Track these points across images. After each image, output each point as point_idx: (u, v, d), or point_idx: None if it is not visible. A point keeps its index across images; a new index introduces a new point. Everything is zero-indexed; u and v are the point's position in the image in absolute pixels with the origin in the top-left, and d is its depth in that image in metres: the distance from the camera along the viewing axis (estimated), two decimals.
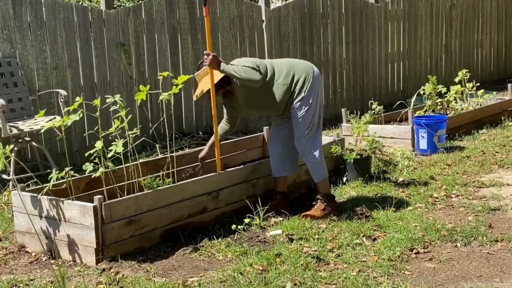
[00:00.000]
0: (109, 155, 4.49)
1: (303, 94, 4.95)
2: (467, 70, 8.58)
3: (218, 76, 4.91)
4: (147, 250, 4.43)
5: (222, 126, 5.26)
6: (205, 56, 4.81)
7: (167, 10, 7.89)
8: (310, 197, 5.31)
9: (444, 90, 7.95)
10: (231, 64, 4.90)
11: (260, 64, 4.93)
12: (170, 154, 5.15)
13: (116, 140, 4.50)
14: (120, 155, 4.52)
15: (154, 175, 4.89)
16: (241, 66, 4.83)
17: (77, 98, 4.51)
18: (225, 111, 5.26)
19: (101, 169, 4.46)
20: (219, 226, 4.82)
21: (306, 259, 4.13)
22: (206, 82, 4.96)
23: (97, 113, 4.50)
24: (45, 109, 5.77)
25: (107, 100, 4.59)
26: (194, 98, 5.15)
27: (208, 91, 4.92)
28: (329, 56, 9.72)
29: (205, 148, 5.29)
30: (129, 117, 4.69)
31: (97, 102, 4.51)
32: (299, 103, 4.96)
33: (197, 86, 5.09)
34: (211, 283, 3.87)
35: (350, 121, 6.59)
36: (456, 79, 8.37)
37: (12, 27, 6.66)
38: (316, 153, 5.04)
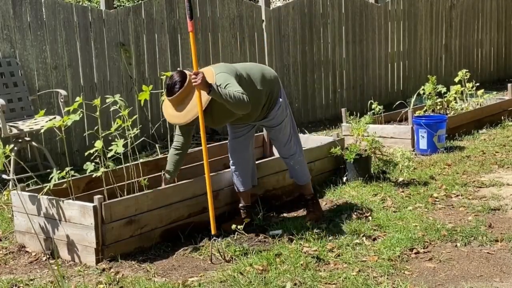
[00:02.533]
0: (109, 155, 4.49)
1: (281, 100, 4.81)
2: (467, 70, 8.57)
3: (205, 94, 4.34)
4: (147, 250, 4.44)
5: (174, 159, 4.70)
6: (193, 76, 4.24)
7: (167, 10, 7.89)
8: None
9: (444, 90, 7.96)
10: (218, 85, 4.32)
11: (237, 76, 4.50)
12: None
13: (116, 140, 4.50)
14: (120, 155, 4.52)
15: (154, 174, 4.89)
16: (232, 91, 4.31)
17: (77, 98, 4.51)
18: (178, 133, 4.70)
19: (102, 169, 4.46)
20: (219, 226, 4.82)
21: (306, 259, 4.13)
22: (194, 105, 4.39)
23: (97, 113, 4.50)
24: (45, 109, 5.78)
25: (108, 100, 4.59)
26: (178, 122, 4.48)
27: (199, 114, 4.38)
28: (329, 56, 9.72)
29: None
30: (133, 118, 4.69)
31: (97, 102, 4.52)
32: (279, 109, 4.79)
33: (176, 107, 4.46)
34: (211, 283, 3.87)
35: (350, 122, 6.59)
36: (456, 79, 8.37)
37: (12, 27, 6.66)
38: (302, 156, 5.04)
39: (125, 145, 4.56)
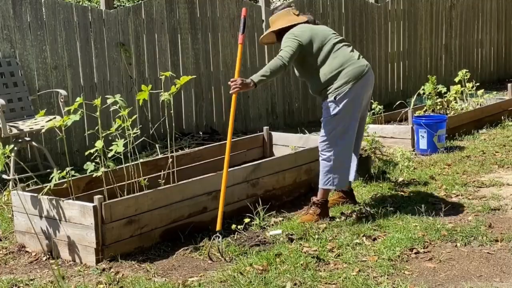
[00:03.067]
0: (110, 155, 4.50)
1: (333, 101, 4.91)
2: (467, 70, 8.58)
3: (281, 25, 4.99)
4: (147, 250, 4.44)
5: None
6: (233, 84, 4.54)
7: (167, 10, 7.89)
8: (309, 197, 5.29)
9: (444, 90, 7.96)
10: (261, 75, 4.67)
11: (310, 42, 4.89)
12: (171, 154, 5.15)
13: (117, 140, 4.50)
14: (120, 155, 4.53)
15: (154, 174, 4.89)
16: (265, 68, 4.69)
17: (78, 98, 4.51)
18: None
19: (102, 169, 4.46)
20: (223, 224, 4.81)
21: (306, 259, 4.13)
22: (276, 25, 5.05)
23: (97, 113, 4.50)
24: (45, 109, 5.77)
25: (108, 100, 4.59)
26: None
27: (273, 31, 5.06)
28: None
29: None
30: (133, 118, 4.69)
31: (97, 102, 4.52)
32: (326, 107, 4.98)
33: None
34: (211, 283, 3.87)
35: None
36: (456, 79, 8.37)
37: (12, 27, 6.67)
38: (327, 162, 4.89)
39: (125, 145, 4.56)
